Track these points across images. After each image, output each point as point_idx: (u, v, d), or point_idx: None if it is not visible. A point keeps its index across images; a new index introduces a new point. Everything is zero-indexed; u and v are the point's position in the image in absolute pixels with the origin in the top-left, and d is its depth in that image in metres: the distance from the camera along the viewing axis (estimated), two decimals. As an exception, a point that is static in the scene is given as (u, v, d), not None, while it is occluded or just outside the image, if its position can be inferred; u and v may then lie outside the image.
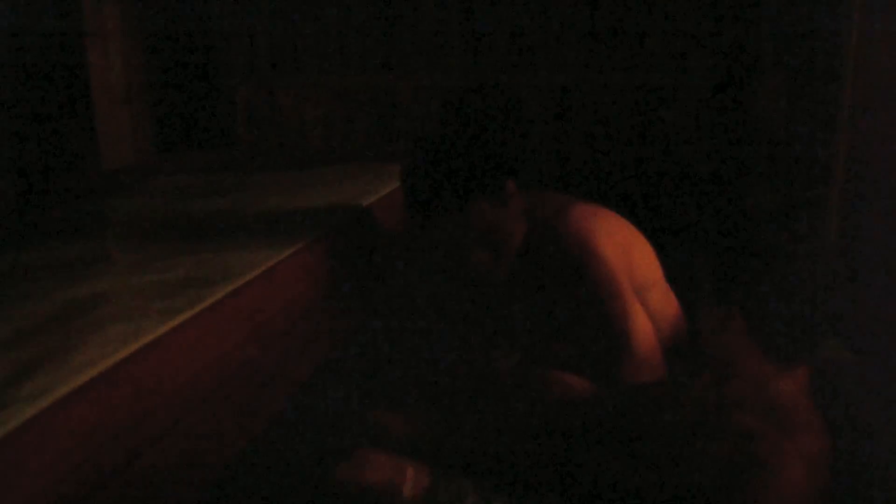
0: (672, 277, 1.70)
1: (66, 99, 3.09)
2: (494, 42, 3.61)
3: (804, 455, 1.24)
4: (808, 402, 1.33)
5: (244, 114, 3.76)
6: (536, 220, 1.68)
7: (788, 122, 2.94)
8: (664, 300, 1.69)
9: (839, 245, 1.71)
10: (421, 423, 1.50)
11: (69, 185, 2.69)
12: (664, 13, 3.45)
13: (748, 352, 1.30)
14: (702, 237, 1.33)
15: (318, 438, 1.52)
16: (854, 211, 2.17)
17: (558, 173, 3.61)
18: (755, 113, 3.20)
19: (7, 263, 1.66)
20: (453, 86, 3.59)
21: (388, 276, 2.09)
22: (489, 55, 3.62)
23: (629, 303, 1.57)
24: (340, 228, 1.97)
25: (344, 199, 2.25)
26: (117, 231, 2.04)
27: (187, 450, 1.21)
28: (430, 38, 3.66)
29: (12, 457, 0.93)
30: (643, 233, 1.73)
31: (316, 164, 3.07)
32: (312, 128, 3.76)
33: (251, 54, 3.74)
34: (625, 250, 1.64)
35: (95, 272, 1.57)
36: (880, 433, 1.45)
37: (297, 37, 3.72)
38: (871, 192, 2.10)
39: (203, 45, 3.70)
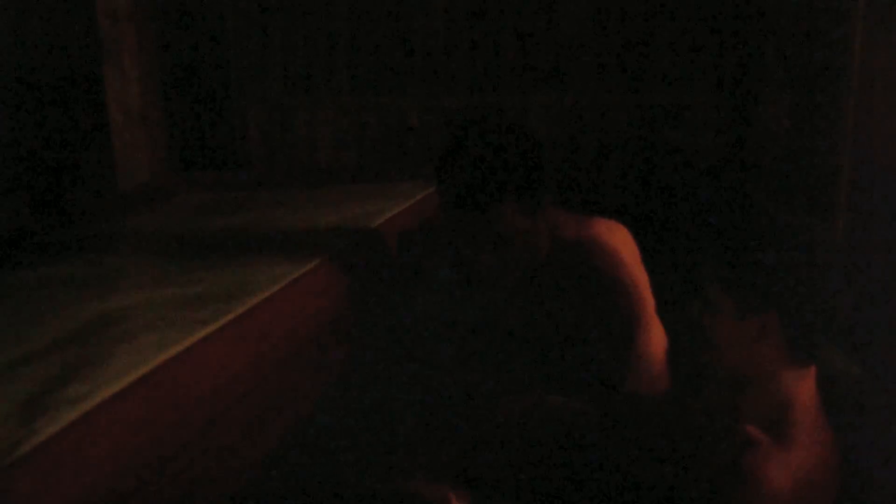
0: (679, 289, 1.73)
1: (82, 118, 3.14)
2: (502, 63, 3.68)
3: (794, 467, 1.27)
4: (816, 406, 1.35)
5: (256, 134, 3.82)
6: (560, 234, 1.70)
7: (794, 137, 2.99)
8: (660, 330, 1.71)
9: (846, 256, 1.75)
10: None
11: (89, 204, 2.74)
12: (670, 32, 3.52)
13: (776, 359, 1.33)
14: (709, 250, 1.37)
15: (332, 457, 1.56)
16: (860, 223, 2.21)
17: (564, 192, 3.66)
18: (761, 129, 3.25)
19: (34, 278, 1.72)
20: (462, 106, 3.66)
21: (395, 296, 2.13)
22: (497, 76, 3.68)
23: (649, 315, 1.63)
24: (352, 247, 2.02)
25: (354, 219, 2.30)
26: (139, 247, 2.09)
27: (215, 458, 1.25)
28: (439, 59, 3.72)
29: (48, 463, 0.97)
30: (652, 249, 1.77)
31: (327, 183, 3.12)
32: (323, 148, 3.82)
33: (264, 75, 3.81)
34: (641, 267, 1.67)
35: (121, 286, 1.63)
36: (885, 446, 1.48)
37: (310, 58, 3.79)
38: (876, 202, 2.14)
39: (217, 65, 3.76)
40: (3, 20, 3.09)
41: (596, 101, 3.63)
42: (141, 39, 3.31)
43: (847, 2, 2.40)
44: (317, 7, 3.74)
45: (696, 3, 3.48)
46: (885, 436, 1.51)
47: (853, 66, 2.34)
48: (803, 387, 1.34)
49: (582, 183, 3.65)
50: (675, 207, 3.49)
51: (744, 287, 1.31)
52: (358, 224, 2.23)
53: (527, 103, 3.66)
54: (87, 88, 3.19)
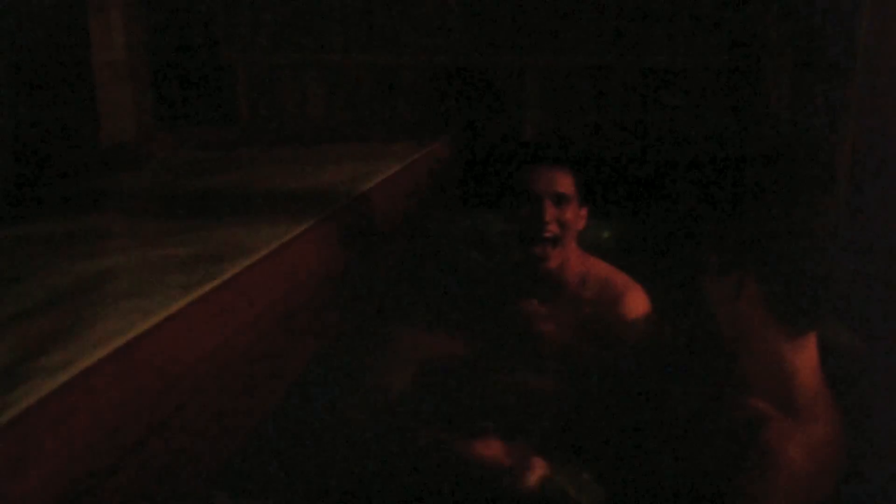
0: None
1: (66, 73, 3.05)
2: (497, 23, 3.60)
3: (809, 442, 1.24)
4: (820, 379, 1.31)
5: (245, 89, 3.73)
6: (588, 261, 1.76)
7: (795, 105, 2.94)
8: None
9: (845, 228, 1.71)
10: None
11: (70, 160, 2.67)
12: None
13: (762, 322, 1.28)
14: (708, 216, 1.33)
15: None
16: (860, 196, 2.17)
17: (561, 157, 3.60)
18: (761, 97, 3.19)
19: (14, 237, 1.66)
20: (455, 65, 3.58)
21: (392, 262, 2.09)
22: (491, 36, 3.60)
23: None
24: (345, 210, 1.97)
25: (346, 180, 2.24)
26: (125, 206, 2.03)
27: (204, 424, 1.21)
28: (432, 17, 3.63)
29: (32, 432, 0.92)
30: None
31: (317, 141, 3.06)
32: (314, 105, 3.74)
33: (253, 30, 3.71)
34: None
35: (105, 247, 1.57)
36: (886, 416, 1.46)
37: (300, 13, 3.69)
38: (877, 179, 2.10)
39: (205, 20, 3.67)
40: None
41: (592, 64, 3.55)
42: (127, -8, 3.21)
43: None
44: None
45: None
46: (888, 408, 1.48)
47: (859, 42, 2.27)
48: (803, 357, 1.30)
49: (576, 146, 3.59)
50: (672, 170, 3.44)
51: (726, 241, 1.27)
52: (350, 186, 2.18)
53: (522, 65, 3.58)
54: (72, 43, 3.09)
